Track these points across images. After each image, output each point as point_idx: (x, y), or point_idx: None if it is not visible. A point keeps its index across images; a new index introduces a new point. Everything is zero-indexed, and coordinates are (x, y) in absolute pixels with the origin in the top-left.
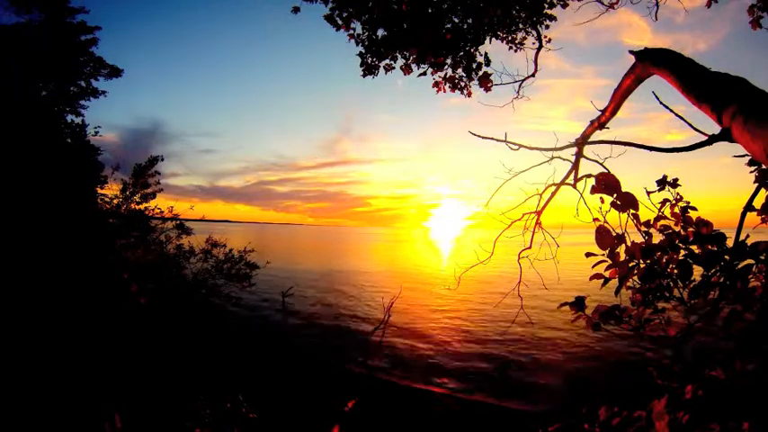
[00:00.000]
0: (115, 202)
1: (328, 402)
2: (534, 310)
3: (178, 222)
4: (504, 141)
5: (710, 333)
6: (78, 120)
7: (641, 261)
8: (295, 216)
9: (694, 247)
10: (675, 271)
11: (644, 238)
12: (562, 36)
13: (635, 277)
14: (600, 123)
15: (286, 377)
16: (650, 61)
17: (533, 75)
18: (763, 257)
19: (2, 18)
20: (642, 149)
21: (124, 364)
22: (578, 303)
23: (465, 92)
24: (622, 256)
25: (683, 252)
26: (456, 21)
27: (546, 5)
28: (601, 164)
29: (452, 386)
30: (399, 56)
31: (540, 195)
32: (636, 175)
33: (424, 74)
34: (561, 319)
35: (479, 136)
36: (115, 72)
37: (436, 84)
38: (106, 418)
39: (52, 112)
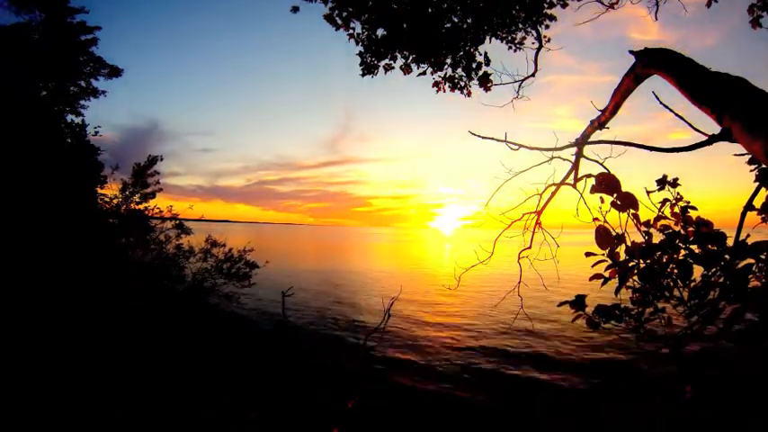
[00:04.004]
0: (115, 201)
1: (328, 402)
2: (534, 309)
3: (177, 222)
4: (504, 141)
5: (710, 334)
6: (78, 120)
7: (641, 261)
8: (295, 216)
9: (694, 247)
10: (675, 271)
11: (644, 237)
12: (565, 31)
13: (635, 277)
14: (600, 123)
15: (285, 377)
16: (650, 61)
17: (533, 75)
18: (763, 257)
19: (2, 18)
20: (642, 149)
21: (124, 365)
22: (578, 302)
23: (465, 92)
24: (622, 256)
25: (683, 252)
26: (456, 21)
27: (546, 5)
28: (601, 164)
29: (453, 386)
30: (399, 55)
31: (540, 195)
32: (636, 175)
33: (424, 73)
34: (561, 319)
35: (479, 136)
36: (115, 72)
37: (436, 83)
38: (106, 419)
39: (52, 112)
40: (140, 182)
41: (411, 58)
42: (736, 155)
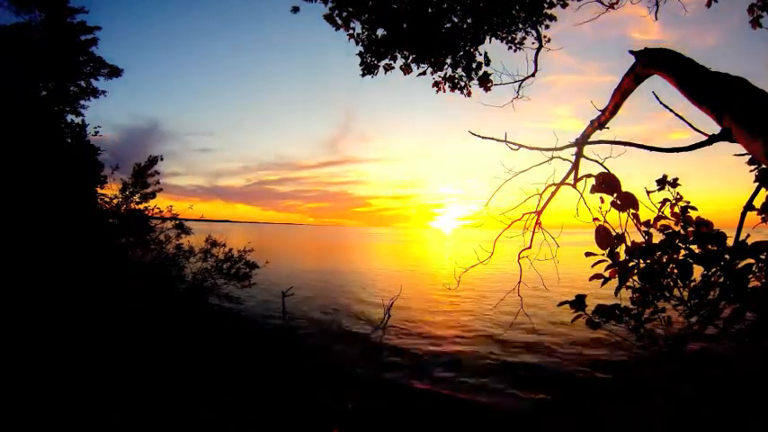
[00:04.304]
0: (115, 202)
1: (328, 402)
2: (534, 309)
3: (177, 222)
4: (504, 141)
5: (711, 333)
6: (78, 120)
7: (641, 261)
8: (296, 216)
9: (694, 247)
10: (675, 271)
11: (644, 237)
12: (565, 31)
13: (635, 277)
14: (600, 123)
15: (285, 377)
16: (650, 61)
17: (533, 75)
18: (763, 257)
19: (2, 18)
20: (642, 149)
21: (124, 365)
22: (578, 302)
23: (465, 92)
24: (622, 256)
25: (683, 252)
26: (456, 21)
27: (546, 5)
28: (601, 164)
29: (453, 386)
30: (399, 55)
31: (540, 195)
32: (636, 175)
33: (424, 73)
34: (561, 319)
35: (479, 136)
36: (115, 72)
37: (436, 83)
38: (106, 419)
39: (52, 112)
40: (140, 182)
41: (411, 58)
42: (736, 155)
